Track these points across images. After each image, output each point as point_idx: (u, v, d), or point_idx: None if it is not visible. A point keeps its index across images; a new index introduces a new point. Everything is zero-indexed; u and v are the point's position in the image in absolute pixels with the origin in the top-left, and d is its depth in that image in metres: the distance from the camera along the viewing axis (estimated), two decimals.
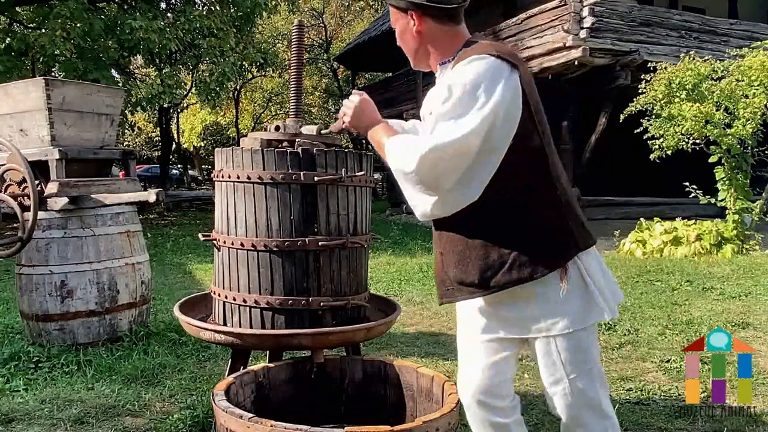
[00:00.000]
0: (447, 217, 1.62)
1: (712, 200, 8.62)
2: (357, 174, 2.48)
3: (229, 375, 2.47)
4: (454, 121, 1.48)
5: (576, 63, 10.18)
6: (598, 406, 1.70)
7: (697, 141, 8.30)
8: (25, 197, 3.79)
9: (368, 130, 1.74)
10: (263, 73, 24.50)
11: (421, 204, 1.58)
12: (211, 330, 2.44)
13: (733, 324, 4.65)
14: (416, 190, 1.56)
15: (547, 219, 1.61)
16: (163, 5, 14.36)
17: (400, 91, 16.15)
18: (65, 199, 3.95)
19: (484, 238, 1.62)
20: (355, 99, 1.77)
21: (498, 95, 1.48)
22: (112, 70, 13.34)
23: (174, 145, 30.01)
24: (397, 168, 1.57)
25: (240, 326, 2.48)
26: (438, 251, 1.74)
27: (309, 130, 2.49)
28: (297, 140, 2.47)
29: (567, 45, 10.10)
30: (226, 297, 2.53)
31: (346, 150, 2.50)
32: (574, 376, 1.67)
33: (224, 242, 2.51)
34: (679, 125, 8.21)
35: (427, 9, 1.63)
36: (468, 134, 1.46)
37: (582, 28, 9.96)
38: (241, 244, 2.43)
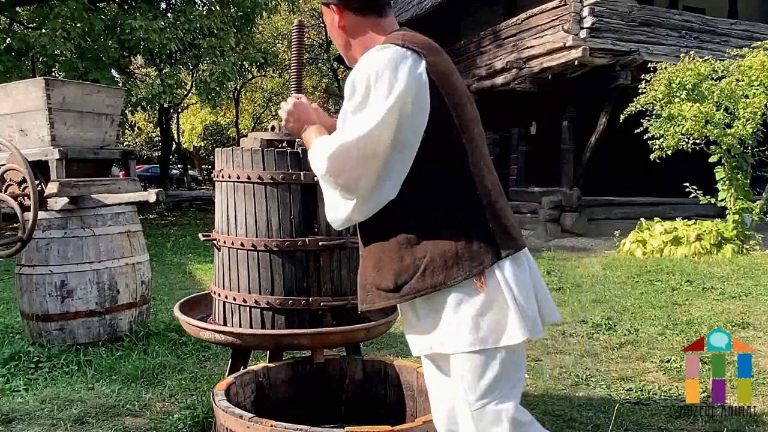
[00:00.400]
0: (379, 218, 1.53)
1: (712, 200, 8.63)
2: None
3: (229, 375, 2.47)
4: (359, 117, 1.41)
5: (576, 63, 10.17)
6: (514, 426, 1.49)
7: (697, 141, 8.31)
8: (25, 197, 3.79)
9: (302, 133, 1.69)
10: (263, 73, 24.51)
11: (341, 209, 1.49)
12: (211, 330, 2.44)
13: (733, 324, 4.65)
14: (336, 194, 1.48)
15: (463, 222, 1.48)
16: (163, 5, 14.37)
17: None
18: (65, 199, 3.95)
19: (399, 241, 1.51)
20: (289, 102, 1.71)
21: (400, 86, 1.39)
22: (112, 70, 13.34)
23: (174, 145, 30.01)
24: (315, 172, 1.50)
25: (240, 326, 2.48)
26: (361, 254, 1.64)
27: None
28: (297, 140, 2.47)
29: (567, 45, 10.09)
30: (226, 297, 2.53)
31: None
32: (481, 404, 1.47)
33: (224, 242, 2.51)
34: (679, 125, 8.21)
35: (346, 3, 1.57)
36: (374, 129, 1.39)
37: (582, 28, 9.95)
38: (242, 244, 2.44)
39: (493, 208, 1.51)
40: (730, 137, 8.08)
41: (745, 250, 8.26)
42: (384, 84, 1.40)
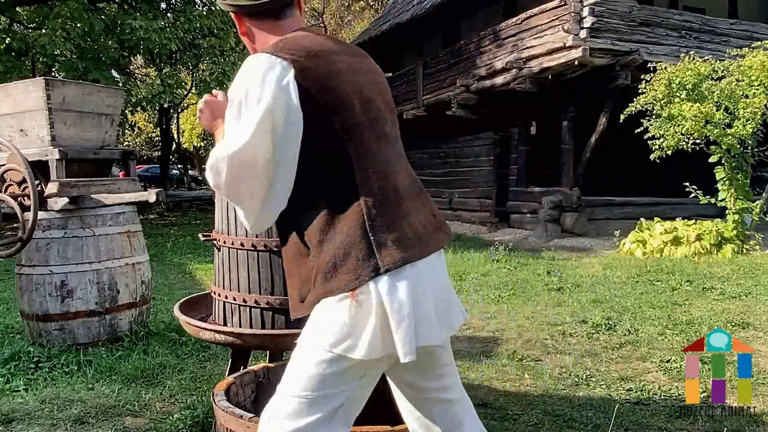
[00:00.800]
0: (278, 229, 1.53)
1: (712, 200, 8.63)
2: None
3: (229, 375, 2.47)
4: (235, 130, 1.39)
5: (576, 63, 10.17)
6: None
7: (697, 141, 8.31)
8: (25, 197, 3.80)
9: (213, 131, 1.66)
10: None
11: (241, 217, 1.50)
12: (211, 330, 2.44)
13: (733, 324, 4.65)
14: (232, 203, 1.49)
15: (345, 234, 1.40)
16: (163, 5, 14.38)
17: (400, 91, 16.15)
18: (65, 199, 3.95)
19: (295, 252, 1.49)
20: (201, 101, 1.67)
21: (267, 97, 1.36)
22: (112, 70, 13.35)
23: (174, 145, 30.02)
24: None
25: (240, 326, 2.48)
26: None
27: None
28: None
29: (567, 45, 10.08)
30: (226, 297, 2.53)
31: None
32: (289, 394, 1.44)
33: (224, 242, 2.51)
34: (679, 125, 8.21)
35: (241, 9, 1.55)
36: (246, 144, 1.36)
37: (582, 28, 9.95)
38: (241, 244, 2.44)
39: (377, 219, 1.42)
40: (730, 137, 8.08)
41: (745, 250, 8.26)
42: (253, 96, 1.37)
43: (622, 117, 8.88)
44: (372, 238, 1.40)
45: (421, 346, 1.39)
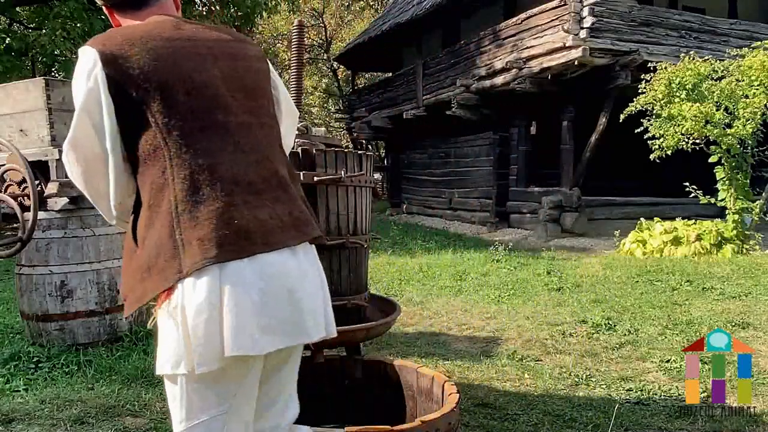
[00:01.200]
0: None
1: (712, 200, 8.63)
2: (357, 174, 2.48)
3: None
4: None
5: (576, 63, 10.16)
6: None
7: (697, 141, 8.31)
8: (25, 197, 3.80)
9: None
10: None
11: (101, 213, 1.50)
12: None
13: (733, 324, 4.65)
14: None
15: (158, 232, 1.33)
16: None
17: (400, 92, 16.15)
18: (65, 199, 3.95)
19: (129, 249, 1.42)
20: None
21: (83, 90, 1.33)
22: None
23: None
24: None
25: None
26: None
27: (318, 131, 2.50)
28: (296, 140, 2.47)
29: (567, 45, 10.08)
30: None
31: (346, 150, 2.50)
32: (177, 428, 1.37)
33: None
34: (679, 125, 8.21)
35: (104, 2, 1.52)
36: (72, 137, 1.36)
37: (582, 28, 9.95)
38: None
39: (183, 215, 1.31)
40: (730, 137, 8.08)
41: (745, 250, 8.26)
42: (75, 89, 1.36)
43: (622, 117, 8.87)
44: (177, 236, 1.31)
45: (231, 355, 1.27)
